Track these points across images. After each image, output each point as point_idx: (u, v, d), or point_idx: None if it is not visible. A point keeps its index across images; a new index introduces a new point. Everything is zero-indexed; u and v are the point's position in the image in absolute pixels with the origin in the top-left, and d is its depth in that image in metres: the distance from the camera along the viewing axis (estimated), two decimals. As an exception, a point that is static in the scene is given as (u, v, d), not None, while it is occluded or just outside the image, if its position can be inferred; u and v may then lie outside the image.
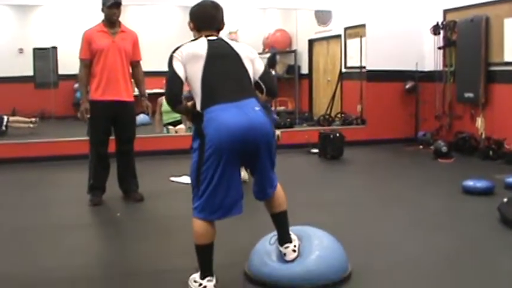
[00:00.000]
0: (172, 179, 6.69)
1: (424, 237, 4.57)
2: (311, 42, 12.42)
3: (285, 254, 3.46)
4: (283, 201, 3.51)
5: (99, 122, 5.63)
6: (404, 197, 6.07)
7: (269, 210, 3.53)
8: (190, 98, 3.37)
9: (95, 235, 4.91)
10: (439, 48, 9.62)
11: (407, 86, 10.09)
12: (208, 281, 3.29)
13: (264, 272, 3.48)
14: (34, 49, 10.85)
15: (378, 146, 9.73)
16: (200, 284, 3.30)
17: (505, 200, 4.96)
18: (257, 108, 3.25)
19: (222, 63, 3.32)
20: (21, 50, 10.80)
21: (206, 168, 3.18)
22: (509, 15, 8.22)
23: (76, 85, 11.32)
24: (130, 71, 5.79)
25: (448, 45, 9.45)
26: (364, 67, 10.37)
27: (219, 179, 3.18)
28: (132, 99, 5.76)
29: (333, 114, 11.13)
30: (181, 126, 9.66)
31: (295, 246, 3.46)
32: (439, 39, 9.60)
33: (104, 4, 5.59)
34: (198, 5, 3.55)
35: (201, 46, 3.33)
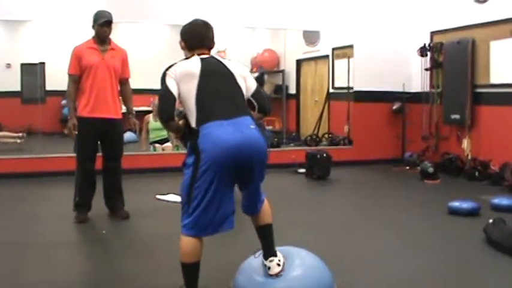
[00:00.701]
0: (159, 197, 6.66)
1: (410, 258, 4.57)
2: (299, 62, 12.46)
3: (269, 268, 3.42)
4: (269, 215, 3.52)
5: (86, 139, 5.61)
6: (391, 217, 6.07)
7: (255, 223, 3.52)
8: (182, 115, 3.36)
9: (79, 252, 4.85)
10: (426, 69, 9.70)
11: (394, 107, 10.16)
12: None
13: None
14: (22, 64, 10.80)
15: (365, 166, 9.76)
16: None
17: (491, 221, 4.98)
18: (252, 126, 3.25)
19: (216, 81, 3.34)
20: (8, 65, 10.74)
21: (200, 184, 3.17)
22: (495, 37, 8.32)
23: (64, 101, 11.28)
24: (119, 88, 5.78)
25: (434, 66, 9.54)
26: (352, 88, 10.42)
27: (212, 195, 3.18)
28: (120, 116, 5.76)
29: (320, 135, 11.15)
30: (168, 144, 9.63)
31: (279, 260, 3.44)
32: (426, 61, 9.69)
33: (95, 21, 5.60)
34: (189, 24, 3.57)
35: (195, 64, 3.35)
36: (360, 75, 10.14)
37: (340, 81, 10.98)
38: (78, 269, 4.31)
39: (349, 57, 10.52)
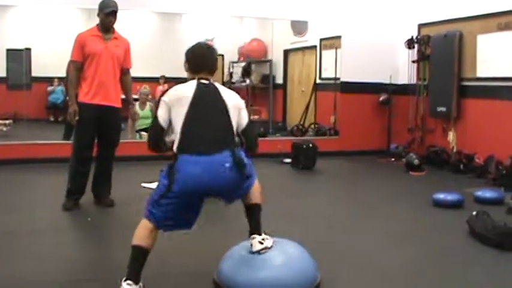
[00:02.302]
0: (144, 185, 6.64)
1: (394, 249, 4.60)
2: (286, 53, 12.44)
3: (251, 245, 3.51)
4: (258, 195, 3.60)
5: (86, 125, 5.58)
6: (375, 208, 6.09)
7: (243, 201, 3.60)
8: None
9: (64, 240, 4.82)
10: (413, 61, 9.73)
11: (380, 99, 10.18)
12: (127, 284, 3.27)
13: (232, 280, 3.46)
14: (7, 50, 10.71)
15: (351, 157, 9.78)
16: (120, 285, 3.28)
17: (474, 213, 5.01)
18: (227, 165, 3.30)
19: (206, 110, 3.41)
20: (-6, 51, 10.66)
21: (168, 201, 3.31)
22: (482, 31, 8.35)
23: (49, 88, 11.28)
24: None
25: (422, 59, 9.56)
26: (339, 78, 10.43)
27: (177, 212, 3.35)
28: (120, 105, 5.78)
29: (306, 125, 11.16)
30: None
31: (262, 239, 3.51)
32: (413, 53, 9.71)
33: (100, 10, 5.59)
34: (192, 46, 3.69)
35: (189, 89, 3.44)
36: (347, 66, 10.14)
37: (328, 72, 10.99)
38: (62, 256, 4.29)
39: (336, 48, 10.52)
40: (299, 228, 4.93)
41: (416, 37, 9.65)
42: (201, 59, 3.62)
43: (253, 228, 3.56)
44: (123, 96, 5.91)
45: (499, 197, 6.29)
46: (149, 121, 9.14)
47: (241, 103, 3.60)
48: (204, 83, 3.50)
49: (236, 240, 3.77)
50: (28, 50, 10.05)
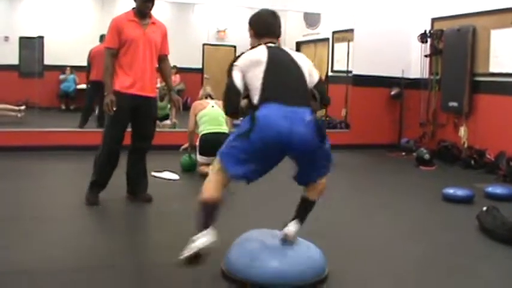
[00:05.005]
0: (154, 174, 6.66)
1: (404, 244, 4.59)
2: (299, 45, 12.41)
3: (287, 226, 3.61)
4: (320, 193, 3.71)
5: (121, 116, 5.26)
6: (385, 203, 6.08)
7: (305, 192, 3.70)
8: (244, 94, 3.44)
9: (75, 228, 4.83)
10: (426, 56, 9.68)
11: (392, 93, 10.15)
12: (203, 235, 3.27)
13: (240, 270, 3.47)
14: (20, 38, 10.76)
15: (361, 150, 9.77)
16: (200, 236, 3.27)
17: (484, 208, 5.00)
18: (307, 119, 3.32)
19: (282, 69, 3.43)
20: (6, 38, 10.70)
21: (243, 145, 3.26)
22: (496, 26, 8.29)
23: (62, 76, 11.31)
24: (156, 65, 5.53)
25: (434, 53, 9.52)
26: (351, 71, 10.41)
27: (251, 155, 3.28)
28: (155, 94, 5.60)
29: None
30: (167, 121, 9.62)
31: (296, 231, 3.61)
32: (426, 47, 9.66)
33: None
34: (257, 13, 3.73)
35: (261, 53, 3.45)
36: (360, 59, 10.12)
37: (340, 65, 10.97)
38: (73, 243, 4.30)
39: (349, 41, 10.50)
40: (308, 221, 4.92)
41: (430, 31, 9.60)
42: (267, 24, 3.66)
43: (300, 216, 3.68)
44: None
45: (509, 193, 6.26)
46: (162, 111, 9.36)
47: (311, 64, 3.64)
48: (273, 47, 3.53)
49: (244, 230, 3.77)
50: (41, 38, 10.09)
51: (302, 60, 3.57)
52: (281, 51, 3.56)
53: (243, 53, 3.51)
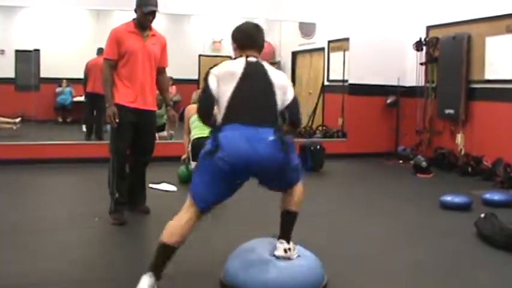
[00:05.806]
0: (152, 185, 6.65)
1: (402, 251, 4.59)
2: (294, 54, 12.45)
3: (275, 247, 3.52)
4: (298, 202, 3.59)
5: (126, 130, 5.17)
6: (383, 210, 6.09)
7: (282, 204, 3.59)
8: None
9: (73, 240, 4.83)
10: (421, 64, 9.72)
11: (388, 101, 10.17)
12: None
13: (240, 281, 3.46)
14: (16, 51, 10.76)
15: (358, 159, 9.78)
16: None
17: (482, 215, 5.00)
18: (270, 138, 3.26)
19: (253, 87, 3.41)
20: (2, 52, 10.69)
21: (208, 164, 3.27)
22: (490, 33, 8.33)
23: (58, 89, 11.30)
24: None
25: (430, 61, 9.55)
26: (347, 80, 10.42)
27: (212, 178, 3.27)
28: (155, 108, 5.49)
29: (314, 127, 11.16)
30: (163, 133, 9.60)
31: (289, 249, 3.50)
32: (422, 55, 9.70)
33: (138, 6, 5.18)
34: (239, 25, 3.71)
35: (239, 66, 3.44)
36: (355, 68, 10.15)
37: (335, 74, 10.98)
38: (68, 257, 4.30)
39: (344, 50, 10.52)
40: (306, 229, 4.92)
41: (425, 39, 9.64)
42: (249, 37, 3.63)
43: (284, 234, 3.55)
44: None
45: (507, 199, 6.28)
46: (160, 121, 9.34)
47: (288, 83, 3.60)
48: (252, 61, 3.50)
49: (242, 241, 3.77)
50: (37, 51, 10.10)
51: (277, 77, 3.52)
52: (258, 66, 3.51)
53: (221, 63, 3.51)
